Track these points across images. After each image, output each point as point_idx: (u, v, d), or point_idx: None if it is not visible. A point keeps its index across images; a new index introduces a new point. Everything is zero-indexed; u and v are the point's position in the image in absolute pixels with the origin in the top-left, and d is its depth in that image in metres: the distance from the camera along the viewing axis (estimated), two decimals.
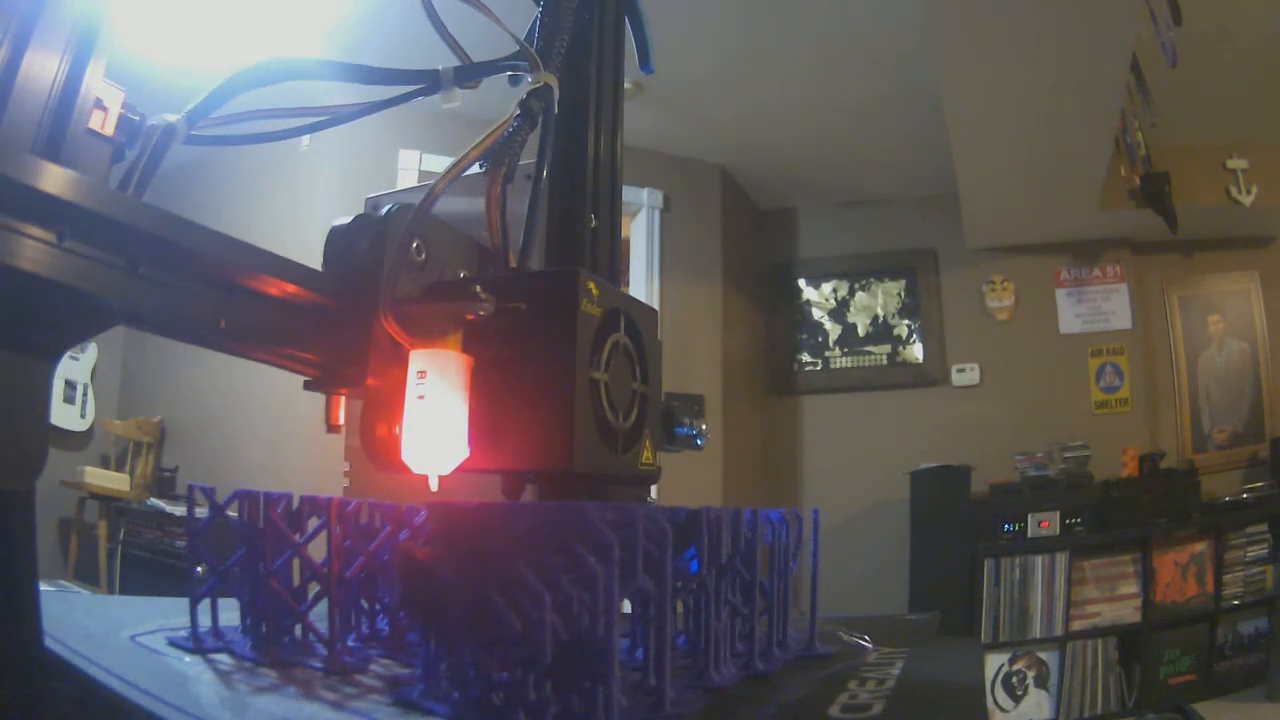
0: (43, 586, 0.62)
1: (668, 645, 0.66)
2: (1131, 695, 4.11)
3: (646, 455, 0.83)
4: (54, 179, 0.51)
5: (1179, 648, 4.13)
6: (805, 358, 5.36)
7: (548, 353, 0.71)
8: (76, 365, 4.56)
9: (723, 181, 4.97)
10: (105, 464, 4.56)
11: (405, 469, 0.71)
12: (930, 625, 1.18)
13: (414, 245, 0.73)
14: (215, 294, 0.64)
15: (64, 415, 4.49)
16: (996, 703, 4.13)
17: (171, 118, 0.72)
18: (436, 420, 0.68)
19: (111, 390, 4.84)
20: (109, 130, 0.65)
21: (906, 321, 5.24)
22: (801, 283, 5.46)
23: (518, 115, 0.78)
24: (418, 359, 0.69)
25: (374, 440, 0.74)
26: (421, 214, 0.72)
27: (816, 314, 5.40)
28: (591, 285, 0.73)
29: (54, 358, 0.59)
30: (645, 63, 1.01)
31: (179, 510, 3.99)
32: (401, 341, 0.69)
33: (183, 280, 0.61)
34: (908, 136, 4.51)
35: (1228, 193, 4.46)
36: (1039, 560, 4.25)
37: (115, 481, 4.38)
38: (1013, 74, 3.36)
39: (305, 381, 0.74)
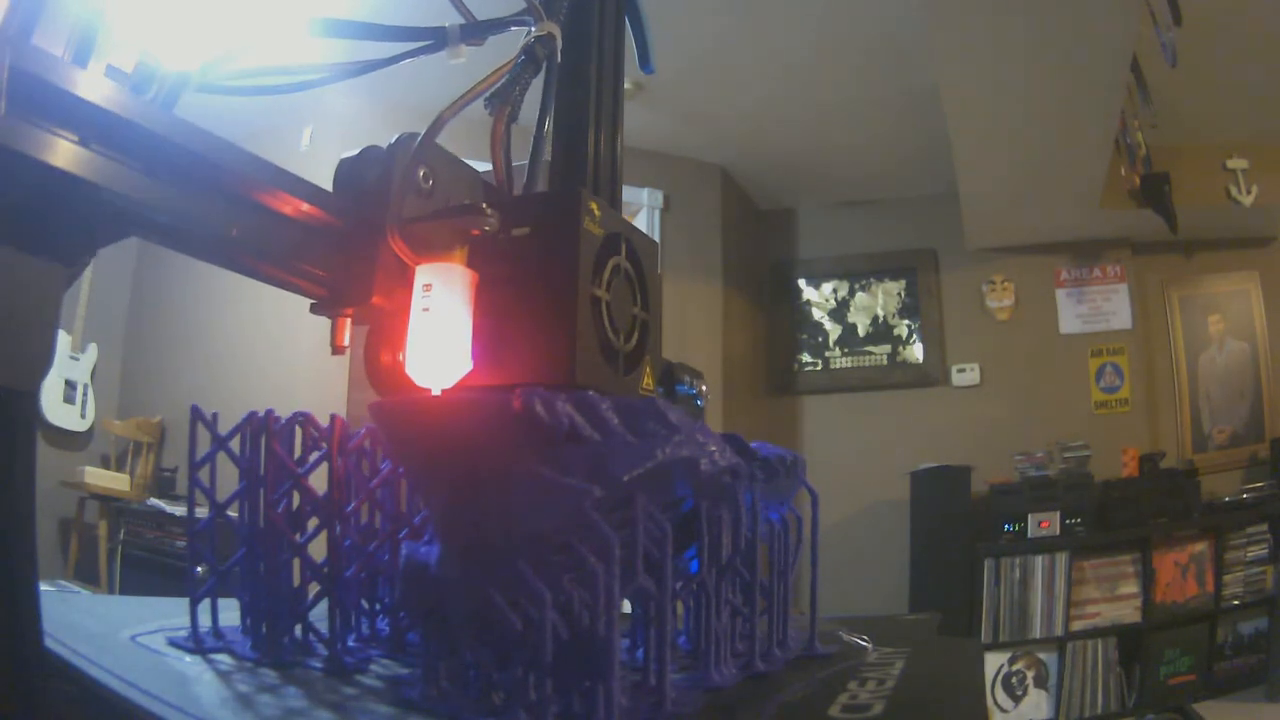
0: (43, 586, 0.62)
1: (668, 645, 0.66)
2: (1131, 695, 4.11)
3: (647, 381, 0.84)
4: (78, 81, 0.53)
5: (1179, 648, 4.13)
6: (805, 358, 5.36)
7: (550, 269, 0.73)
8: (76, 365, 4.56)
9: (723, 182, 4.97)
10: (105, 464, 4.56)
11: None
12: (930, 625, 1.18)
13: (421, 173, 0.74)
14: (229, 203, 0.65)
15: (64, 415, 4.48)
16: (996, 703, 4.13)
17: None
18: (441, 332, 0.69)
19: (111, 390, 4.83)
20: (127, 69, 0.66)
21: (907, 322, 5.24)
22: (801, 283, 5.46)
23: (521, 59, 0.80)
24: (423, 273, 0.70)
25: (378, 367, 0.76)
26: (429, 140, 0.73)
27: (816, 314, 5.40)
28: (594, 205, 0.75)
29: (69, 264, 0.60)
30: (645, 63, 1.01)
31: (179, 510, 3.98)
32: (407, 259, 0.71)
33: (198, 187, 0.63)
34: (908, 137, 4.51)
35: (1228, 193, 4.45)
36: (1039, 560, 4.25)
37: (115, 481, 4.38)
38: (1013, 74, 3.37)
39: (312, 305, 0.75)
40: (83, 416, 4.57)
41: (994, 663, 4.16)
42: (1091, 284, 4.95)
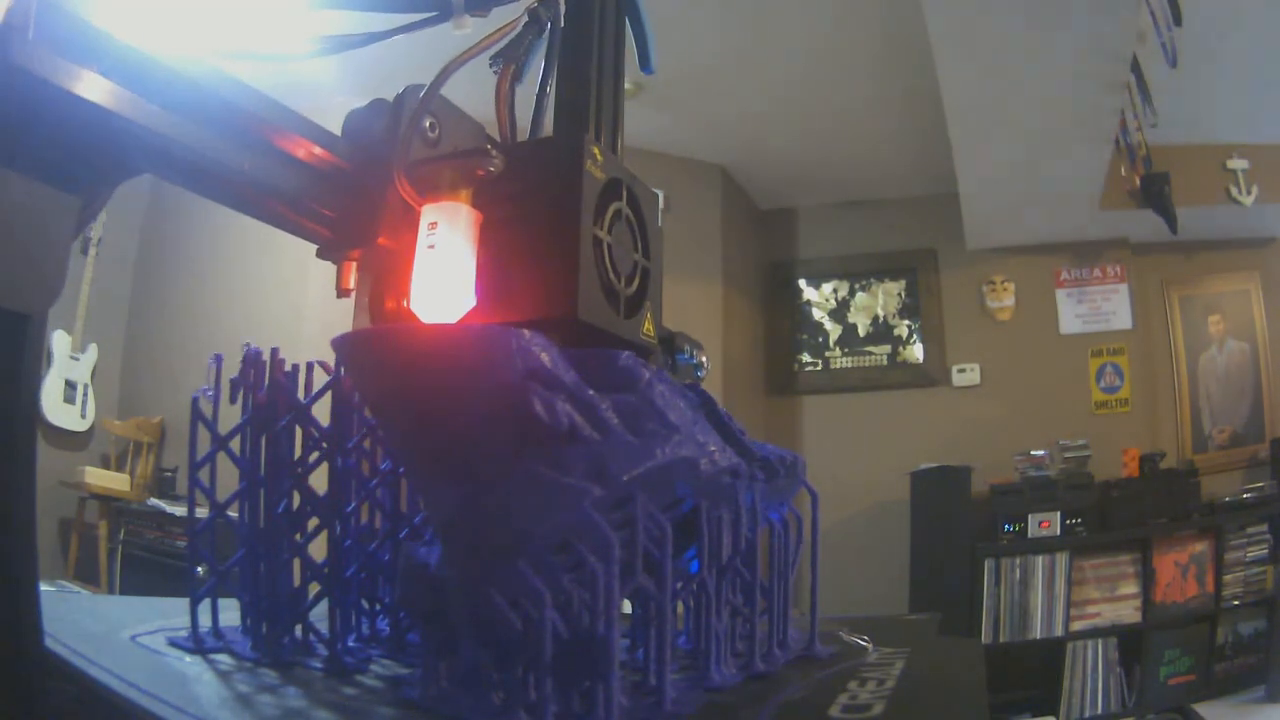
0: (43, 586, 0.62)
1: (668, 645, 0.66)
2: (1132, 696, 4.10)
3: (648, 327, 0.86)
4: (103, 13, 0.56)
5: (1179, 648, 4.13)
6: (805, 358, 5.36)
7: (553, 208, 0.75)
8: (77, 365, 4.56)
9: (723, 182, 4.97)
10: (105, 464, 4.57)
11: None
12: (930, 625, 1.18)
13: (427, 123, 0.76)
14: (242, 140, 0.67)
15: (64, 415, 4.49)
16: None
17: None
18: (446, 268, 0.71)
19: (112, 390, 4.84)
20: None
21: (907, 322, 5.24)
22: (802, 283, 5.46)
23: (525, 20, 0.83)
24: (429, 212, 0.72)
25: (383, 313, 0.77)
26: (434, 90, 0.74)
27: (817, 314, 5.40)
28: (595, 150, 0.77)
29: (85, 196, 0.62)
30: (645, 63, 1.01)
31: (179, 510, 3.99)
32: (412, 202, 0.72)
33: (214, 123, 0.64)
34: (908, 137, 4.51)
35: (1228, 193, 4.45)
36: (1039, 560, 4.25)
37: (115, 481, 4.38)
38: (1013, 74, 3.37)
39: (318, 250, 0.77)
40: (83, 416, 4.58)
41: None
42: (1092, 284, 4.94)
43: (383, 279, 0.77)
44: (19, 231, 0.58)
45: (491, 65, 0.81)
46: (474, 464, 0.63)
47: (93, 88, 0.55)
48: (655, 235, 0.89)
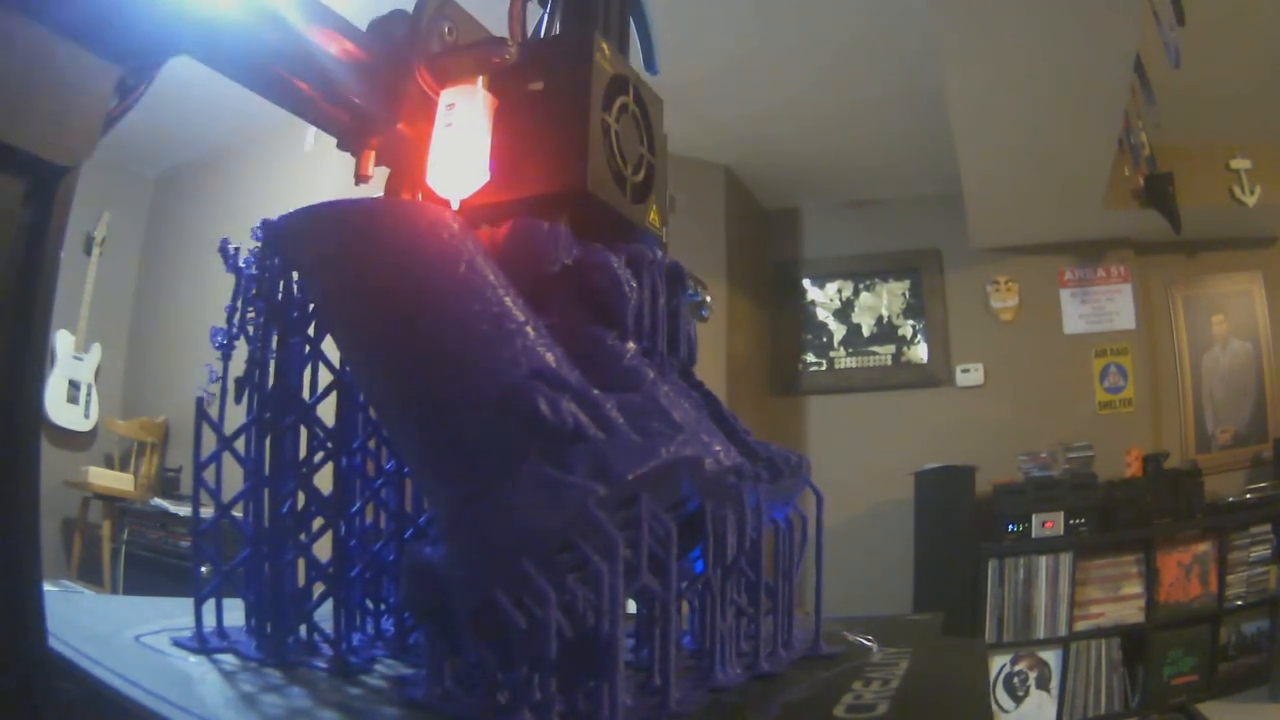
0: (46, 586, 0.62)
1: (673, 645, 0.66)
2: (1135, 696, 4.10)
3: (654, 217, 0.92)
4: None
5: (1182, 648, 4.12)
6: (810, 358, 5.36)
7: (564, 93, 0.80)
8: (80, 365, 4.57)
9: (727, 181, 4.97)
10: (109, 464, 4.58)
11: None
12: (934, 625, 1.18)
13: (445, 27, 0.81)
14: (278, 27, 0.72)
15: (68, 415, 4.50)
16: (998, 703, 4.13)
17: None
18: (462, 145, 0.76)
19: (115, 390, 4.85)
20: None
21: (911, 322, 5.24)
22: (806, 283, 5.46)
23: None
24: (448, 95, 0.78)
25: None
26: None
27: (821, 314, 5.40)
28: (604, 46, 0.82)
29: (125, 67, 0.66)
30: (650, 64, 1.01)
31: (183, 510, 3.99)
32: (431, 91, 0.78)
33: (252, 8, 0.70)
34: (912, 137, 4.51)
35: (1231, 193, 4.45)
36: (1043, 560, 4.24)
37: (119, 481, 4.39)
38: (1016, 75, 3.36)
39: (339, 141, 0.82)
40: (86, 416, 4.59)
41: (995, 663, 4.15)
42: (1095, 284, 4.94)
43: (400, 173, 0.83)
44: (58, 90, 0.61)
45: None
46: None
47: None
48: (660, 139, 0.95)
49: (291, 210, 0.74)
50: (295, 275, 0.77)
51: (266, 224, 0.78)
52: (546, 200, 0.80)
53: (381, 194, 0.85)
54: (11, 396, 0.60)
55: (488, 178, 0.77)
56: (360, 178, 0.82)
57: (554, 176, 0.78)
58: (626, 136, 0.85)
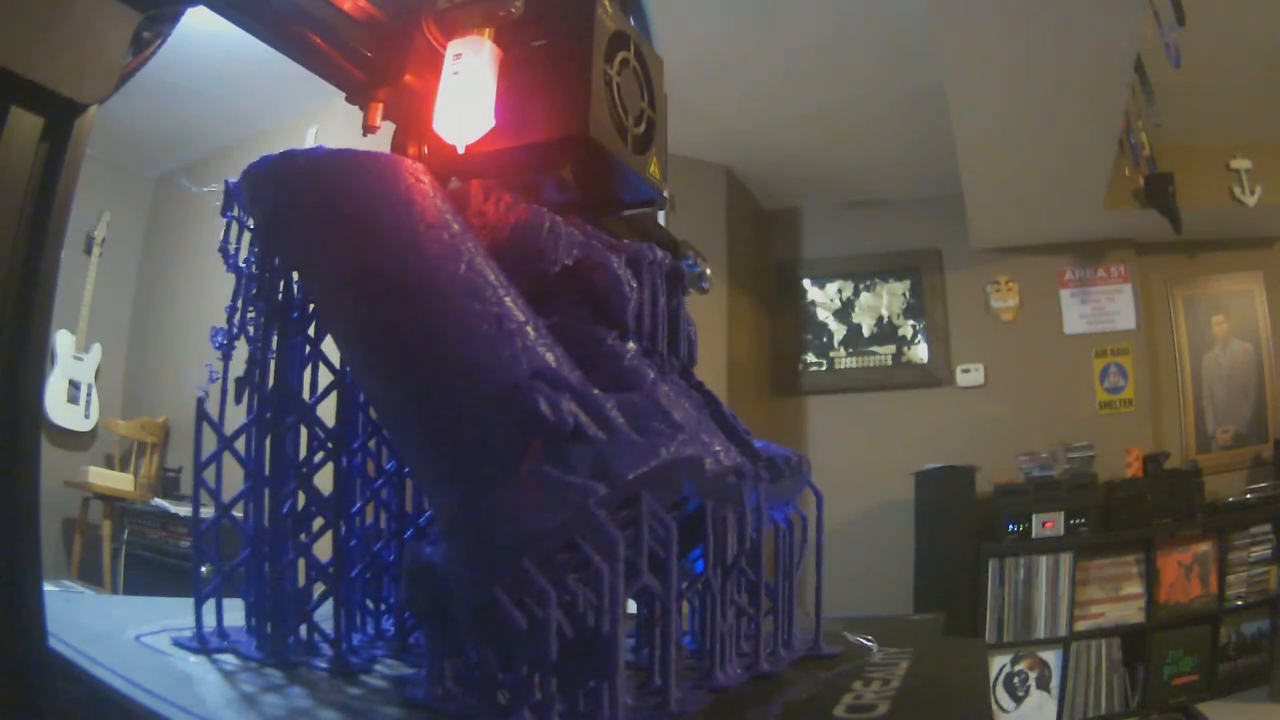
0: (47, 586, 0.62)
1: (673, 645, 0.66)
2: (1135, 696, 4.10)
3: (654, 169, 0.94)
4: None
5: (1182, 648, 4.12)
6: (810, 358, 5.36)
7: (567, 44, 0.84)
8: (81, 365, 4.56)
9: (727, 182, 4.97)
10: (109, 464, 4.57)
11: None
12: (935, 626, 1.18)
13: None
14: None
15: (68, 415, 4.49)
16: (998, 703, 4.13)
17: None
18: (469, 92, 0.79)
19: (115, 391, 4.84)
20: None
21: (911, 322, 5.24)
22: (806, 283, 5.45)
23: None
24: (455, 46, 0.81)
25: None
26: None
27: (821, 314, 5.40)
28: (606, 3, 0.85)
29: (144, 10, 0.67)
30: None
31: (183, 510, 3.98)
32: (439, 45, 0.81)
33: None
34: (912, 137, 4.50)
35: (1231, 193, 4.45)
36: (1043, 560, 4.24)
37: (119, 482, 4.38)
38: (1017, 75, 3.36)
39: (347, 95, 0.85)
40: (87, 417, 4.58)
41: (995, 663, 4.15)
42: (1096, 284, 4.94)
43: (406, 127, 0.86)
44: (79, 30, 0.63)
45: None
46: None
47: None
48: (660, 97, 0.97)
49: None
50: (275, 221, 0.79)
51: (247, 172, 0.80)
52: (549, 146, 0.84)
53: (389, 148, 0.88)
54: (11, 397, 0.60)
55: (493, 124, 0.80)
56: (368, 129, 0.84)
57: (557, 123, 0.82)
58: (628, 90, 0.88)
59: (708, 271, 1.03)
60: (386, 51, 0.82)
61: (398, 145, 0.87)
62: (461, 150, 0.82)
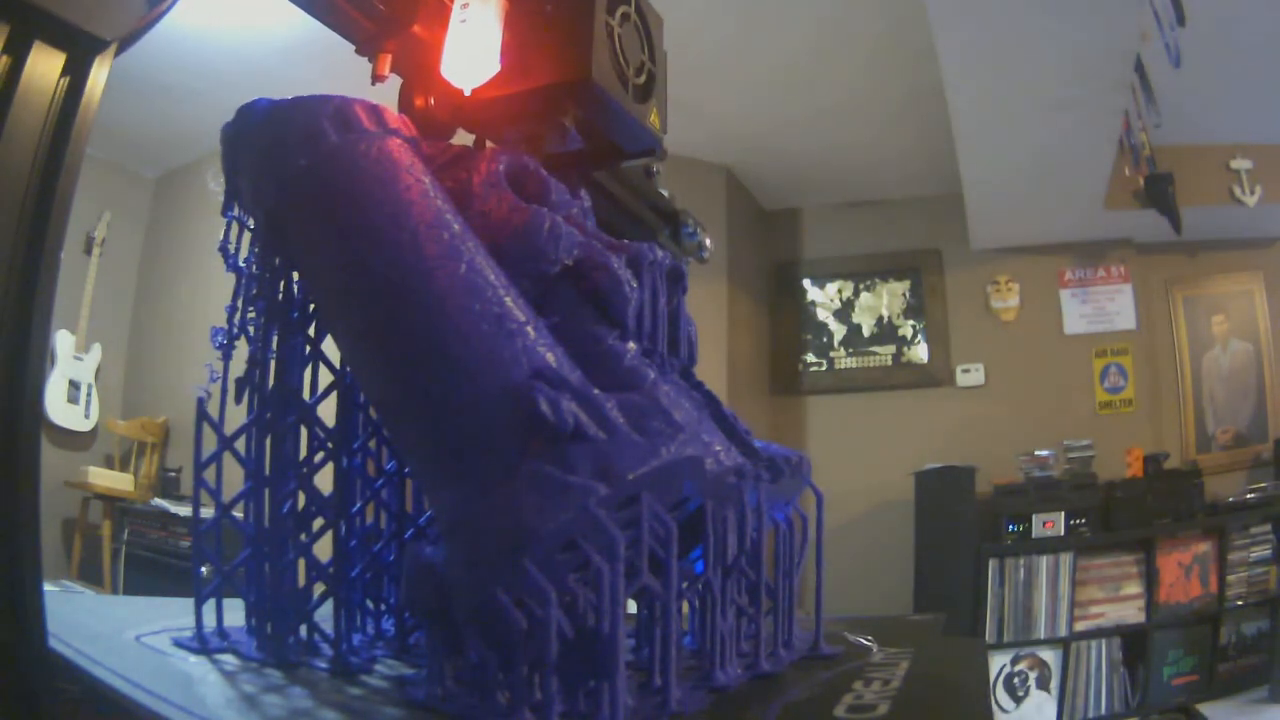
0: (47, 587, 0.62)
1: (674, 645, 0.66)
2: (1135, 696, 4.10)
3: (654, 119, 0.96)
4: None
5: (1182, 648, 4.12)
6: (810, 358, 5.35)
7: None
8: (81, 365, 4.56)
9: (727, 182, 4.97)
10: (109, 464, 4.57)
11: (440, 135, 0.86)
12: (935, 626, 1.18)
13: None
14: None
15: (68, 415, 4.49)
16: (998, 703, 4.13)
17: None
18: (475, 37, 0.82)
19: (115, 391, 4.84)
20: None
21: (911, 322, 5.24)
22: (806, 283, 5.45)
23: None
24: None
25: (412, 111, 0.88)
26: None
27: (821, 314, 5.40)
28: None
29: None
30: None
31: (183, 510, 3.99)
32: None
33: None
34: (913, 137, 4.50)
35: (1231, 193, 4.45)
36: (1043, 560, 4.24)
37: (119, 482, 4.38)
38: (1017, 75, 3.36)
39: (356, 48, 0.87)
40: (86, 417, 4.58)
41: (995, 663, 4.15)
42: (1096, 284, 4.94)
43: (413, 79, 0.89)
44: None
45: None
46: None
47: None
48: (661, 56, 1.00)
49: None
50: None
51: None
52: (553, 90, 0.86)
53: (396, 98, 0.91)
54: (11, 397, 0.60)
55: (498, 68, 0.83)
56: (376, 78, 0.86)
57: (561, 67, 0.84)
58: (629, 41, 0.91)
59: (707, 241, 1.05)
60: (396, 2, 0.85)
61: (404, 97, 0.90)
62: (468, 93, 0.85)
